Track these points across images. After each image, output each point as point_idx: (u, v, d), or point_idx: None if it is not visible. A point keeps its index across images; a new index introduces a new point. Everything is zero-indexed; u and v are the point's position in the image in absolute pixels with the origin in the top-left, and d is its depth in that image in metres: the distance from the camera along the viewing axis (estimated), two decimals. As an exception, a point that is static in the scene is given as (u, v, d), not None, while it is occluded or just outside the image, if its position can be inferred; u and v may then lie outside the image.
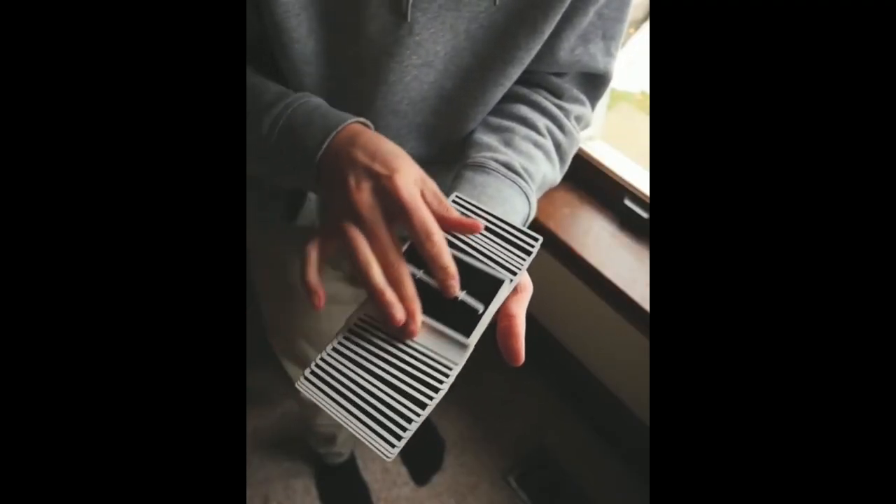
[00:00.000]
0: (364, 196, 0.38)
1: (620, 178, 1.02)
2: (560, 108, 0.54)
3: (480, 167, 0.48)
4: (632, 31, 1.18)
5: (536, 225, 1.05)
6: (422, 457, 1.35)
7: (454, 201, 0.44)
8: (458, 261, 0.40)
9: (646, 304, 0.92)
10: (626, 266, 0.97)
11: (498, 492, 1.29)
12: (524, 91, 0.54)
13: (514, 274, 0.40)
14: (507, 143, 0.50)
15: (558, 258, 1.05)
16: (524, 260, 0.41)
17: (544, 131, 0.52)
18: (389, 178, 0.38)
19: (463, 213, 0.43)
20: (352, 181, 0.39)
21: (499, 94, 0.51)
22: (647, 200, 1.00)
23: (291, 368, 0.95)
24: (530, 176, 0.49)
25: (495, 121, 0.53)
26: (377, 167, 0.39)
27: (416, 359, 0.38)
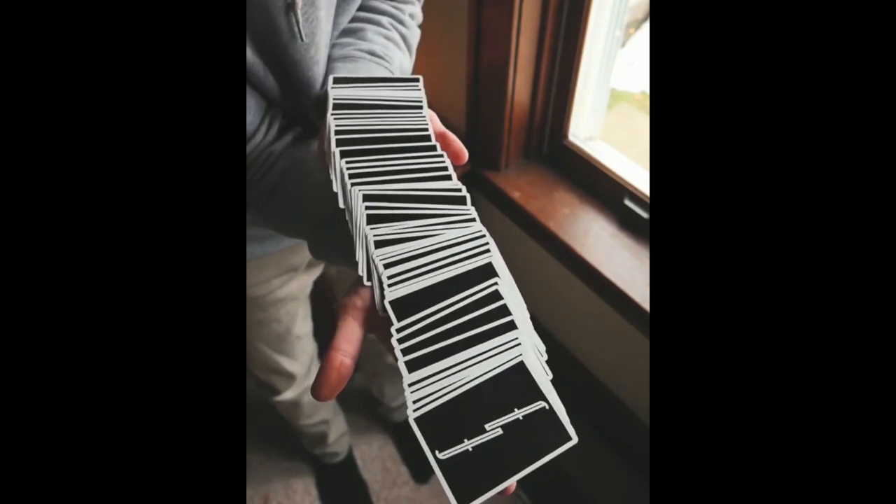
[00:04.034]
0: None
1: (620, 178, 1.02)
2: (395, 7, 0.62)
3: (348, 58, 0.53)
4: (632, 31, 1.18)
5: (537, 225, 1.05)
6: (422, 456, 1.35)
7: (335, 80, 0.47)
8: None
9: (646, 304, 0.92)
10: (626, 266, 0.97)
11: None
12: (362, 4, 0.61)
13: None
14: (362, 38, 0.56)
15: (558, 258, 1.05)
16: (420, 110, 0.43)
17: (388, 26, 0.59)
18: None
19: (344, 89, 0.46)
20: None
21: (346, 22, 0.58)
22: (647, 200, 1.00)
23: (264, 374, 0.96)
24: (391, 60, 0.55)
25: (346, 27, 0.59)
26: None
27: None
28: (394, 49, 0.57)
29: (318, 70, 0.53)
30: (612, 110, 1.11)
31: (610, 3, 0.91)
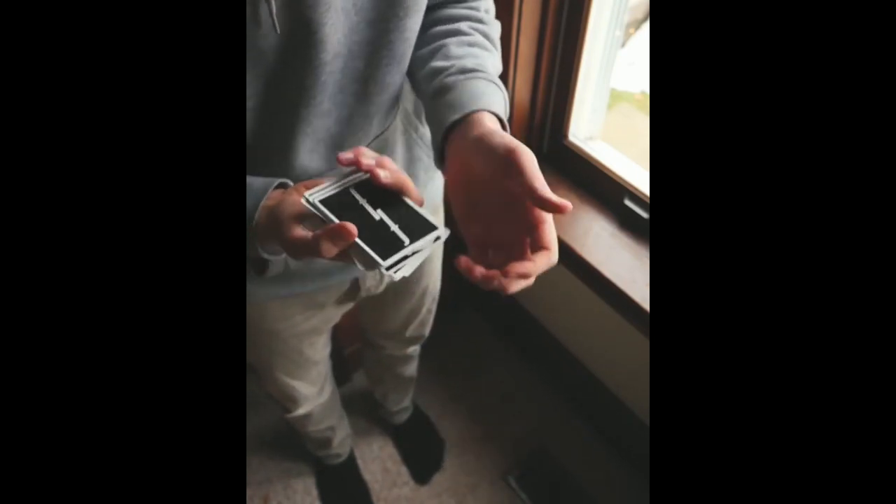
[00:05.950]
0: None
1: (620, 178, 1.02)
2: (468, 7, 0.59)
3: (443, 89, 0.51)
4: (632, 31, 1.18)
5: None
6: (422, 456, 1.35)
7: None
8: (403, 206, 0.45)
9: (646, 304, 0.92)
10: (626, 266, 0.97)
11: (498, 492, 1.29)
12: (435, 13, 0.58)
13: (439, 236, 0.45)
14: (447, 57, 0.54)
15: (558, 258, 1.05)
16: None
17: (469, 30, 0.57)
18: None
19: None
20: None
21: (410, 42, 0.54)
22: (647, 200, 1.00)
23: (278, 396, 0.97)
24: (484, 68, 0.53)
25: (425, 50, 0.56)
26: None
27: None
28: (482, 54, 0.55)
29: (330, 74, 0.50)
30: (612, 110, 1.11)
31: (610, 3, 0.91)
